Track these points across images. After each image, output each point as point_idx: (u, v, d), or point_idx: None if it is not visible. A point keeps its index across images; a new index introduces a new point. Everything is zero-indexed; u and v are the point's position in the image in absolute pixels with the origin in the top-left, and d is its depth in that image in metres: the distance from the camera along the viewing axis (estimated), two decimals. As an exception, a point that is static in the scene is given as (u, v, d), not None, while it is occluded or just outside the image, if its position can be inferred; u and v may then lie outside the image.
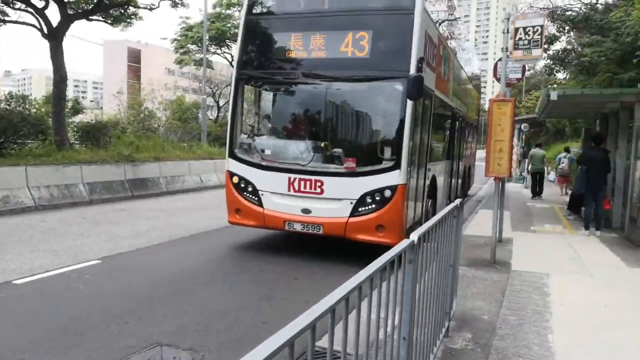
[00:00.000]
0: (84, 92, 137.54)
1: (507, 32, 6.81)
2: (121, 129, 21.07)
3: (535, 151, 18.03)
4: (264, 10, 8.00)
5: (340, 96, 7.29)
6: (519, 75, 8.20)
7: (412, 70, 6.48)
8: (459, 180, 13.38)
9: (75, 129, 17.28)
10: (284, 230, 7.27)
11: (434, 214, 8.07)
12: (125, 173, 13.30)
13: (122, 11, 16.90)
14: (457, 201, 4.10)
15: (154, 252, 7.43)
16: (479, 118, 19.22)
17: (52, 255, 6.91)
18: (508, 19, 6.90)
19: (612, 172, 10.25)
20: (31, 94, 43.22)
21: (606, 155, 9.47)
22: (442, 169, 10.27)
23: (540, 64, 19.40)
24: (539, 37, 6.51)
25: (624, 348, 4.16)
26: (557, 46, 19.58)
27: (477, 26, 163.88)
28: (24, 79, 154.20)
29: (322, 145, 7.14)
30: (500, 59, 7.91)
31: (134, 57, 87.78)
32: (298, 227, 7.02)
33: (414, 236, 2.51)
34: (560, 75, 24.92)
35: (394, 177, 6.58)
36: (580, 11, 19.23)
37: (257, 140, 7.73)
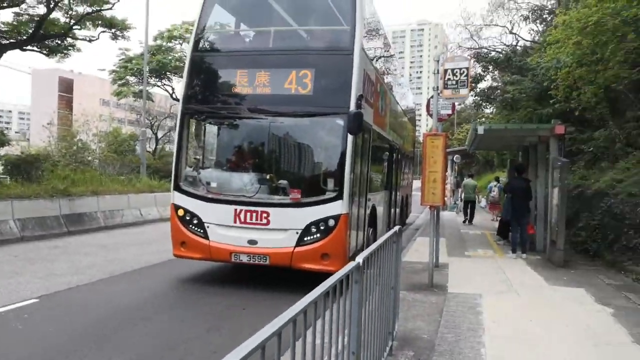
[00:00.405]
0: (8, 123, 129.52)
1: (437, 72, 7.52)
2: (52, 162, 20.23)
3: (467, 181, 19.57)
4: (210, 47, 8.24)
5: (284, 130, 7.59)
6: (450, 111, 8.95)
7: (352, 107, 6.85)
8: (398, 210, 13.90)
9: (3, 162, 16.42)
10: (230, 262, 7.32)
11: (374, 241, 8.57)
12: (61, 208, 12.78)
13: (59, 42, 16.58)
14: (396, 228, 4.46)
15: (95, 289, 7.24)
16: (414, 150, 20.24)
17: (-17, 295, 6.57)
18: (438, 61, 7.63)
19: (534, 200, 11.20)
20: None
21: (528, 185, 10.39)
22: (382, 199, 10.69)
23: (470, 100, 21.08)
24: (465, 78, 7.25)
25: (548, 357, 4.63)
26: (484, 84, 21.36)
27: (412, 62, 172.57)
28: None
29: (268, 177, 7.35)
30: (432, 97, 8.62)
31: (66, 87, 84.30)
32: (244, 259, 7.10)
33: (359, 259, 2.79)
34: (488, 110, 26.97)
35: (337, 207, 6.85)
36: (502, 53, 21.13)
37: (203, 173, 7.86)
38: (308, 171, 7.69)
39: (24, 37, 15.41)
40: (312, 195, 7.06)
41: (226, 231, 7.19)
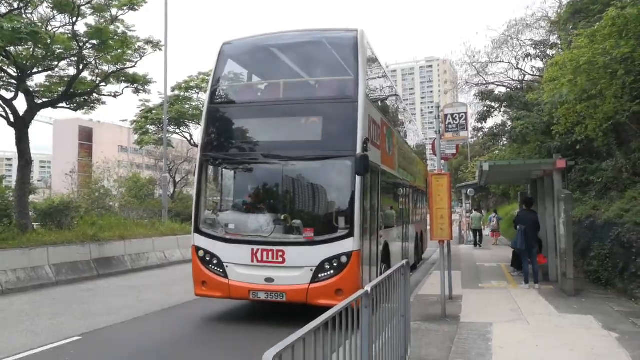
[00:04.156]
0: (31, 171, 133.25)
1: (438, 117, 8.18)
2: (75, 209, 21.14)
3: (474, 214, 23.96)
4: (225, 99, 8.93)
5: (296, 174, 8.06)
6: (454, 151, 9.53)
7: (359, 150, 7.36)
8: (412, 245, 14.16)
9: (36, 210, 17.33)
10: (249, 299, 7.75)
11: None
12: (91, 253, 13.53)
13: (86, 98, 17.74)
14: (404, 261, 4.99)
15: (130, 327, 7.80)
16: (427, 185, 20.72)
17: (31, 334, 7.19)
18: (438, 107, 8.30)
19: (544, 231, 11.55)
20: (-24, 176, 42.14)
21: (536, 217, 10.80)
22: (394, 235, 11.03)
23: (472, 139, 22.07)
24: (464, 121, 7.89)
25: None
26: (493, 120, 22.03)
27: (422, 98, 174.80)
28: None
29: (282, 217, 7.76)
30: (435, 139, 9.24)
31: (86, 136, 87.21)
32: (262, 296, 7.48)
33: (368, 287, 3.35)
34: (500, 143, 27.43)
35: (349, 244, 7.23)
36: (509, 88, 21.86)
37: (221, 215, 8.39)
38: (320, 211, 8.04)
39: (56, 96, 16.61)
40: (324, 233, 7.44)
41: (244, 270, 7.61)
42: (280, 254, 7.42)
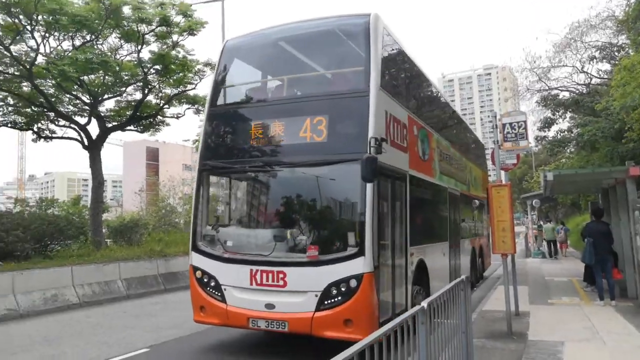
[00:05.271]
0: (104, 191, 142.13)
1: (496, 127, 7.91)
2: (143, 226, 22.27)
3: (546, 225, 24.88)
4: (226, 102, 7.99)
5: (300, 183, 7.04)
6: (515, 161, 9.14)
7: (369, 152, 6.14)
8: (465, 262, 12.44)
9: (109, 228, 18.47)
10: (248, 328, 6.64)
11: None
12: (158, 267, 14.17)
13: (152, 120, 18.78)
14: (463, 277, 4.85)
15: (195, 340, 8.05)
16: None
17: (104, 346, 7.63)
18: (495, 116, 8.04)
19: (620, 243, 10.79)
20: (54, 196, 45.46)
21: (607, 228, 10.12)
22: (434, 252, 9.26)
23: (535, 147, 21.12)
24: (524, 130, 7.58)
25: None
26: (557, 126, 21.00)
27: (481, 106, 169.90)
28: (47, 182, 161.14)
29: (284, 233, 6.74)
30: (493, 149, 8.91)
31: (153, 156, 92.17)
32: (262, 325, 6.41)
33: (424, 303, 3.28)
34: (567, 151, 26.08)
35: (359, 265, 5.98)
36: (575, 93, 20.78)
37: (219, 231, 7.32)
38: (326, 225, 6.81)
39: (124, 120, 17.75)
40: (330, 252, 6.31)
41: (243, 294, 6.60)
42: (281, 275, 6.34)
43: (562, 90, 24.25)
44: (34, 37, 14.45)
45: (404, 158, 7.63)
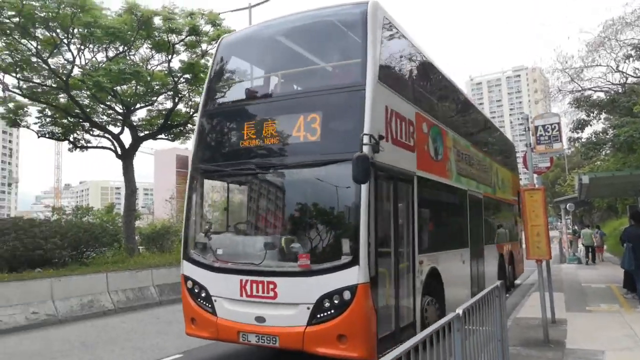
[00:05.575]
0: (136, 199, 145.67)
1: (528, 130, 7.73)
2: (174, 233, 22.65)
3: (585, 231, 23.92)
4: (219, 103, 7.59)
5: (293, 185, 6.62)
6: (548, 164, 8.86)
7: (365, 150, 5.59)
8: (490, 269, 11.61)
9: (141, 235, 18.89)
10: (239, 342, 6.22)
11: (442, 315, 6.95)
12: (189, 274, 14.35)
13: (182, 129, 19.17)
14: (498, 282, 4.74)
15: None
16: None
17: (138, 352, 7.79)
18: (527, 118, 7.85)
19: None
20: (89, 204, 46.81)
21: (648, 232, 9.76)
22: (450, 260, 8.58)
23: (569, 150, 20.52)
24: (557, 132, 7.38)
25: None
26: (592, 128, 20.38)
27: (511, 109, 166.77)
28: (82, 191, 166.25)
29: (275, 241, 6.28)
30: (525, 152, 8.69)
31: (182, 163, 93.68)
32: (253, 339, 6.00)
33: (459, 310, 3.22)
34: (602, 153, 25.29)
35: (353, 275, 5.46)
36: (609, 93, 20.15)
37: (210, 238, 6.90)
38: (319, 232, 6.20)
39: (155, 128, 18.18)
40: (323, 261, 5.80)
41: (233, 306, 6.21)
42: (271, 286, 5.89)
43: (595, 91, 23.59)
44: (70, 50, 15.01)
45: (411, 158, 7.07)
